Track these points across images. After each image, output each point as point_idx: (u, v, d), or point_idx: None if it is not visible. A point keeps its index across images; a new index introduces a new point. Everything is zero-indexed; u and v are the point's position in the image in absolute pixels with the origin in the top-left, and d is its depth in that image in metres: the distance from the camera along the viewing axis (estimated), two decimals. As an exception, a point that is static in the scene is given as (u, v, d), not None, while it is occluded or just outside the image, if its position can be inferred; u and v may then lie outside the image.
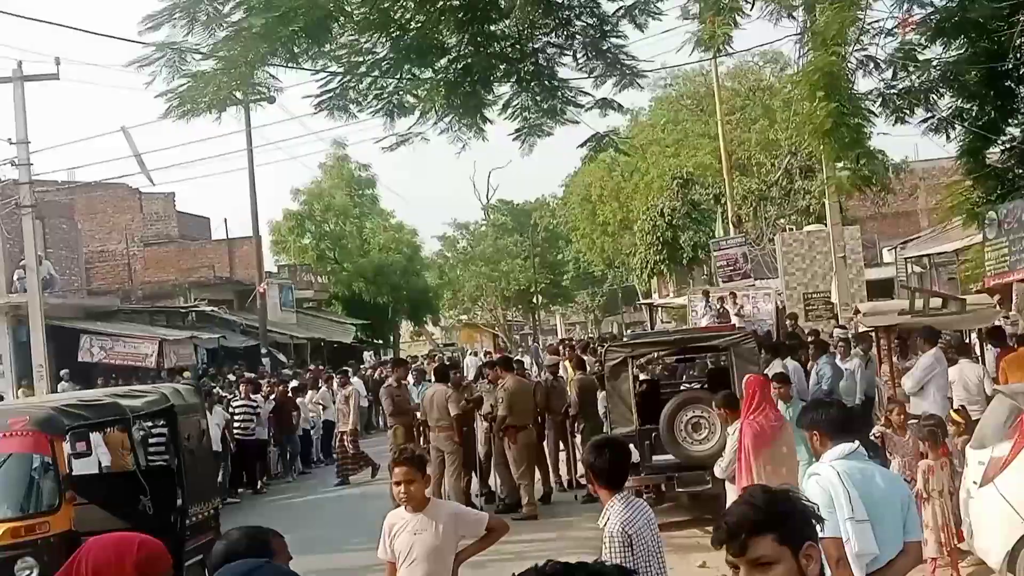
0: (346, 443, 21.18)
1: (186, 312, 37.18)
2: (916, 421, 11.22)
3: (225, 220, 50.22)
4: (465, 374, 22.59)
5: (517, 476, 15.55)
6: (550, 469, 17.23)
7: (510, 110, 13.43)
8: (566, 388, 17.80)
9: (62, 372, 26.74)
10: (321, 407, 24.79)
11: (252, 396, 21.90)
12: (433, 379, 17.81)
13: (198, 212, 48.97)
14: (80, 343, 30.65)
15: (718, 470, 10.55)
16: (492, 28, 12.79)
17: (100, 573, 3.37)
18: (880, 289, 30.70)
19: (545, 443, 17.22)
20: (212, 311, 38.06)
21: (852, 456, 5.57)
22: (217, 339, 35.44)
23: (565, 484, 17.36)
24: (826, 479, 5.48)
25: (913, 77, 14.10)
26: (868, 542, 5.35)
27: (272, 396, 23.06)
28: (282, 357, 37.59)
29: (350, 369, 31.57)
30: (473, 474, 16.76)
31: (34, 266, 26.30)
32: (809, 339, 19.22)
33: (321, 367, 34.61)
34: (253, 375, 27.51)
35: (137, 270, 40.51)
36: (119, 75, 78.21)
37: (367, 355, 43.42)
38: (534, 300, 72.97)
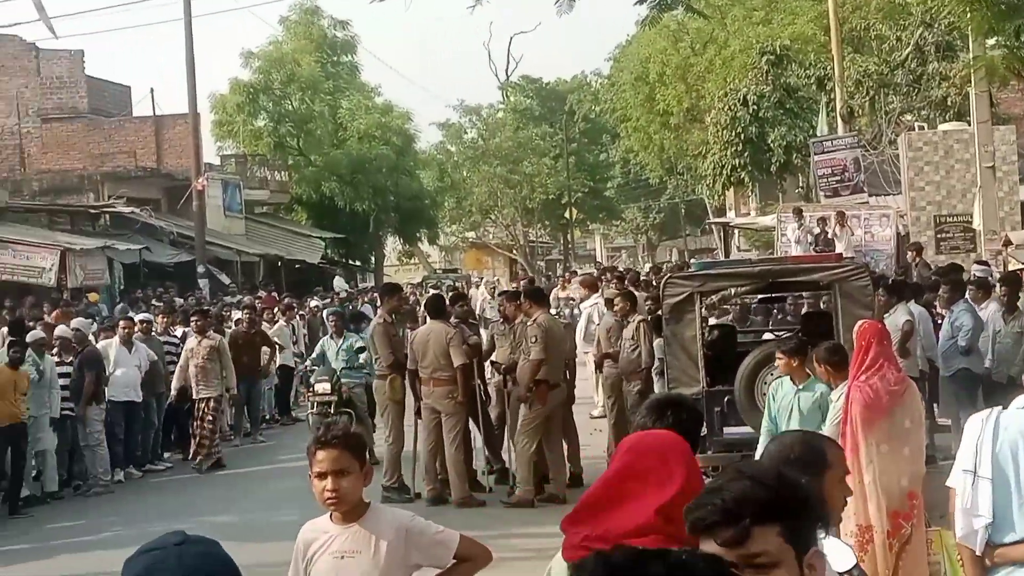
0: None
1: (97, 214, 37.40)
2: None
3: (152, 91, 49.82)
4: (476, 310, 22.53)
5: (544, 447, 15.53)
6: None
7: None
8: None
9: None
10: (277, 348, 24.67)
11: (171, 330, 22.35)
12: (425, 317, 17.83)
13: (116, 79, 48.81)
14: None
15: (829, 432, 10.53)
16: None
17: None
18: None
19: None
20: (132, 213, 37.91)
21: None
22: (139, 251, 35.69)
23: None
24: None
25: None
26: (978, 503, 5.84)
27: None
28: (224, 278, 37.82)
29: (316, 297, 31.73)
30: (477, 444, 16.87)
31: None
32: (940, 278, 19.05)
33: (276, 292, 34.66)
34: (183, 300, 27.63)
35: (32, 153, 40.64)
36: None
37: (339, 280, 43.57)
38: (567, 215, 72.50)
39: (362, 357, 19.01)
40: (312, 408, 19.03)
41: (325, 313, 25.16)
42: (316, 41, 54.33)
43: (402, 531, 5.69)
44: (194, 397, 20.13)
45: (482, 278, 52.64)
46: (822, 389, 10.45)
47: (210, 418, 20.06)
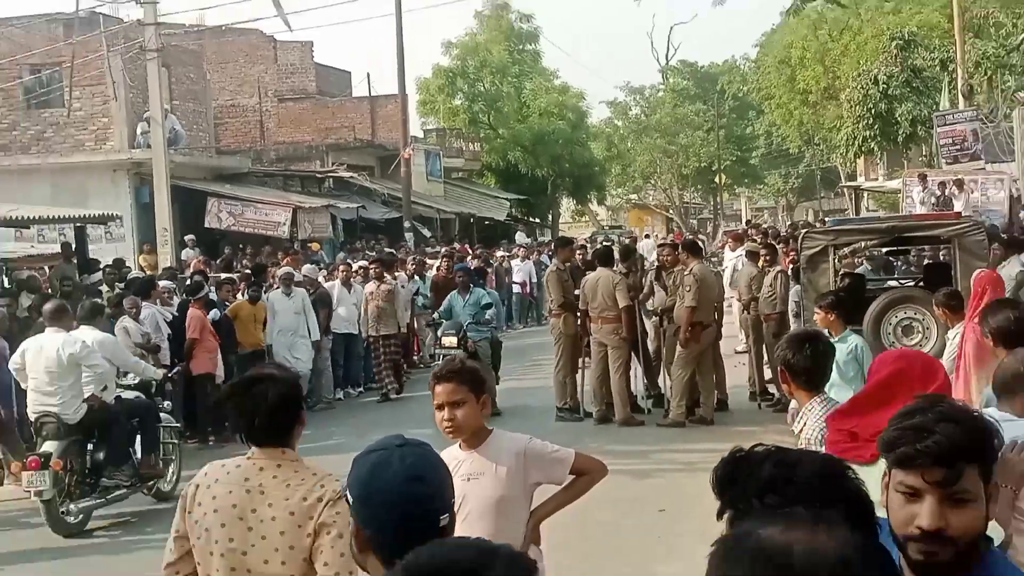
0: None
1: (323, 178, 37.91)
2: None
3: (368, 75, 50.35)
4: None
5: (696, 377, 15.47)
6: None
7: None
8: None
9: (187, 238, 27.69)
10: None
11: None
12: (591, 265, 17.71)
13: (338, 65, 49.57)
14: (207, 207, 31.48)
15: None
16: None
17: None
18: None
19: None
20: (351, 177, 38.53)
21: None
22: (356, 209, 36.14)
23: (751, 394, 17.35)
24: None
25: None
26: None
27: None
28: (426, 232, 38.15)
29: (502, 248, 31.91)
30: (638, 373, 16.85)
31: (159, 119, 27.05)
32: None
33: (468, 244, 34.98)
34: (392, 251, 28.01)
35: (270, 128, 41.35)
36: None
37: (520, 235, 43.75)
38: (716, 180, 72.13)
39: (489, 313, 17.92)
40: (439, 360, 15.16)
41: (455, 268, 21.74)
42: (505, 32, 54.48)
43: (521, 453, 5.49)
44: (372, 334, 19.72)
45: (647, 235, 52.39)
46: (857, 342, 9.85)
47: (392, 350, 19.82)
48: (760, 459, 2.34)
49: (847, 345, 9.48)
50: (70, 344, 11.76)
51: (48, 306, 12.88)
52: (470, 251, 30.97)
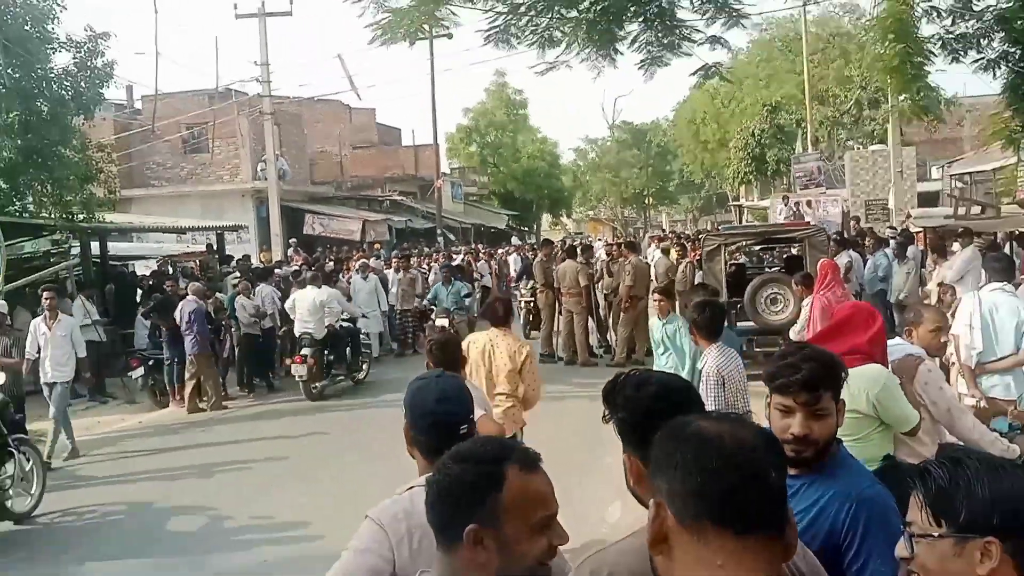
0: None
1: (382, 200, 37.77)
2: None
3: (412, 131, 50.69)
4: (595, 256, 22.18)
5: (633, 333, 15.40)
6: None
7: (637, 44, 13.03)
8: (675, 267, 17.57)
9: (291, 241, 27.61)
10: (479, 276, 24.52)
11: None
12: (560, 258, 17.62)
13: (392, 124, 49.33)
14: (305, 220, 31.57)
15: (792, 334, 10.37)
16: (625, -23, 12.47)
17: None
18: (928, 200, 29.32)
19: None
20: (401, 200, 38.49)
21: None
22: (404, 221, 36.10)
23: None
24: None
25: (968, 24, 13.29)
26: (974, 341, 6.73)
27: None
28: (452, 237, 38.08)
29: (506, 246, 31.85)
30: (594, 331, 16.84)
31: (272, 160, 27.06)
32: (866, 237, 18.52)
33: (480, 245, 34.95)
34: (419, 249, 27.95)
35: (347, 167, 41.25)
36: (338, 11, 78.80)
37: (514, 238, 43.71)
38: (646, 201, 72.21)
39: (467, 300, 17.04)
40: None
41: (438, 266, 20.41)
42: (504, 101, 54.17)
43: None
44: (398, 308, 18.73)
45: (599, 239, 52.47)
46: (678, 321, 8.65)
47: (408, 319, 18.67)
48: (625, 379, 2.35)
49: (674, 326, 8.58)
50: (320, 295, 14.47)
51: (308, 274, 15.81)
52: (481, 248, 30.89)
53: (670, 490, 1.57)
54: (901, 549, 1.85)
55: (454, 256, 25.29)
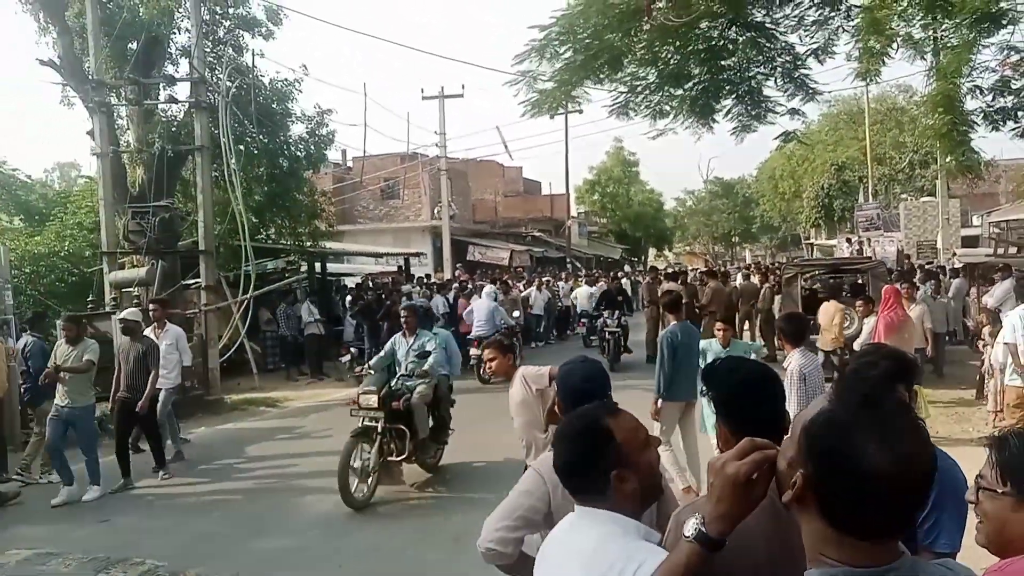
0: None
1: (525, 235, 37.94)
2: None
3: (550, 183, 50.80)
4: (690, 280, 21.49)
5: None
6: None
7: (730, 115, 12.78)
8: (758, 291, 16.94)
9: (457, 265, 28.10)
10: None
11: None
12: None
13: (534, 178, 49.66)
14: (468, 249, 31.99)
15: (856, 345, 9.82)
16: (722, 63, 12.19)
17: None
18: (969, 242, 27.48)
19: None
20: (539, 235, 38.57)
21: None
22: (542, 251, 36.24)
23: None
24: None
25: (1007, 100, 12.41)
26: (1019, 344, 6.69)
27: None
28: (578, 264, 37.96)
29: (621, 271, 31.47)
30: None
31: (446, 205, 27.66)
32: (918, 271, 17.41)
33: (599, 270, 34.69)
34: (552, 277, 27.83)
35: (500, 210, 41.75)
36: (498, 91, 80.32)
37: (627, 267, 43.18)
38: (732, 240, 70.15)
39: (428, 363, 7.84)
40: (360, 420, 7.26)
41: (402, 307, 9.83)
42: (621, 160, 53.62)
43: (520, 375, 4.68)
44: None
45: (693, 268, 51.28)
46: (743, 349, 7.35)
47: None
48: (721, 364, 2.23)
49: (739, 351, 6.93)
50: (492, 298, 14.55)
51: (488, 287, 15.64)
52: (600, 273, 30.51)
53: (824, 494, 1.28)
54: (970, 494, 1.82)
55: (579, 276, 24.89)
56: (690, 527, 1.51)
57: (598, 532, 1.76)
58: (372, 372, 7.85)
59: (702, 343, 7.00)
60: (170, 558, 5.85)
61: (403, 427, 7.31)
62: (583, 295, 18.22)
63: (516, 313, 16.51)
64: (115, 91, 13.89)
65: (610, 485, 1.84)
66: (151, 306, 9.88)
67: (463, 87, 27.08)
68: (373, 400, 7.24)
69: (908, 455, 1.25)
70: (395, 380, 7.65)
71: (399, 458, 7.28)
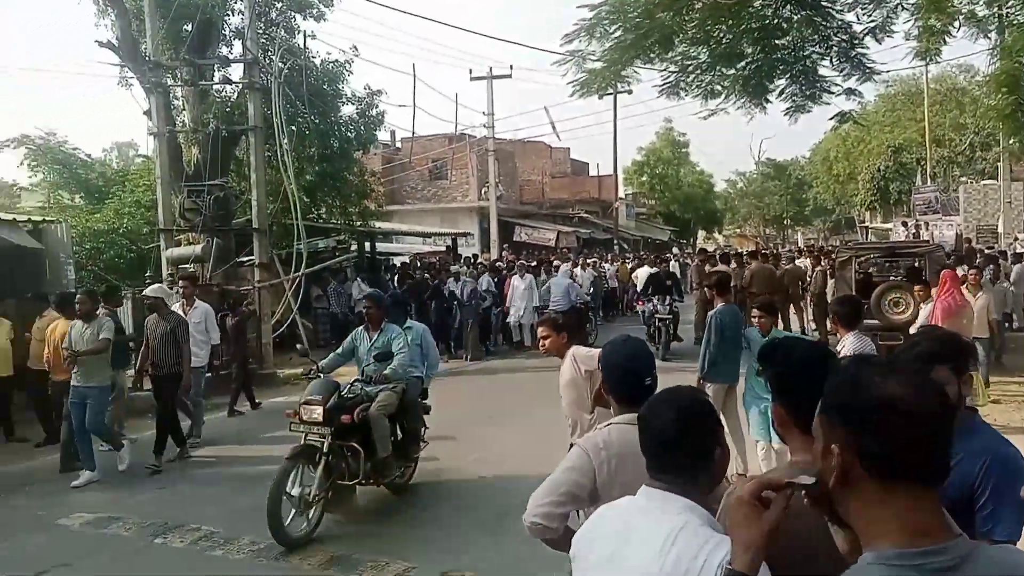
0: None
1: (572, 216, 37.76)
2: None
3: (597, 164, 50.32)
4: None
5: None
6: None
7: (783, 95, 12.42)
8: (805, 273, 16.55)
9: (504, 245, 28.12)
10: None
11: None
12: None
13: (582, 159, 49.35)
14: (514, 230, 31.95)
15: (912, 330, 9.57)
16: (776, 42, 11.85)
17: None
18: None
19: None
20: (586, 217, 38.35)
21: None
22: (589, 233, 35.99)
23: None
24: None
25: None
26: None
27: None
28: (626, 246, 37.66)
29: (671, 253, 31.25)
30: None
31: (493, 186, 27.66)
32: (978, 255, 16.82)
33: (645, 252, 34.36)
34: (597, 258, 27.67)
35: (547, 191, 41.63)
36: (546, 71, 79.70)
37: (676, 249, 42.70)
38: (784, 222, 68.68)
39: (391, 365, 6.23)
40: (303, 436, 5.81)
41: (363, 299, 7.77)
42: (670, 141, 52.98)
43: (571, 355, 4.70)
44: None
45: (738, 251, 50.47)
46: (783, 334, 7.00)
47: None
48: (779, 343, 2.17)
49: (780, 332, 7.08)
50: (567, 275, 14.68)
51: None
52: (647, 254, 30.10)
53: (857, 442, 1.30)
54: None
55: (626, 258, 24.66)
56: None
57: (680, 519, 1.75)
58: (322, 375, 6.18)
59: (746, 330, 6.89)
60: (225, 525, 6.03)
61: (356, 445, 5.87)
62: (643, 275, 17.98)
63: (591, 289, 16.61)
64: (171, 72, 14.19)
65: (714, 462, 1.85)
66: (181, 282, 9.47)
67: (511, 67, 26.79)
68: (317, 413, 5.75)
69: (917, 383, 1.29)
70: (345, 387, 6.07)
71: (352, 481, 5.91)
